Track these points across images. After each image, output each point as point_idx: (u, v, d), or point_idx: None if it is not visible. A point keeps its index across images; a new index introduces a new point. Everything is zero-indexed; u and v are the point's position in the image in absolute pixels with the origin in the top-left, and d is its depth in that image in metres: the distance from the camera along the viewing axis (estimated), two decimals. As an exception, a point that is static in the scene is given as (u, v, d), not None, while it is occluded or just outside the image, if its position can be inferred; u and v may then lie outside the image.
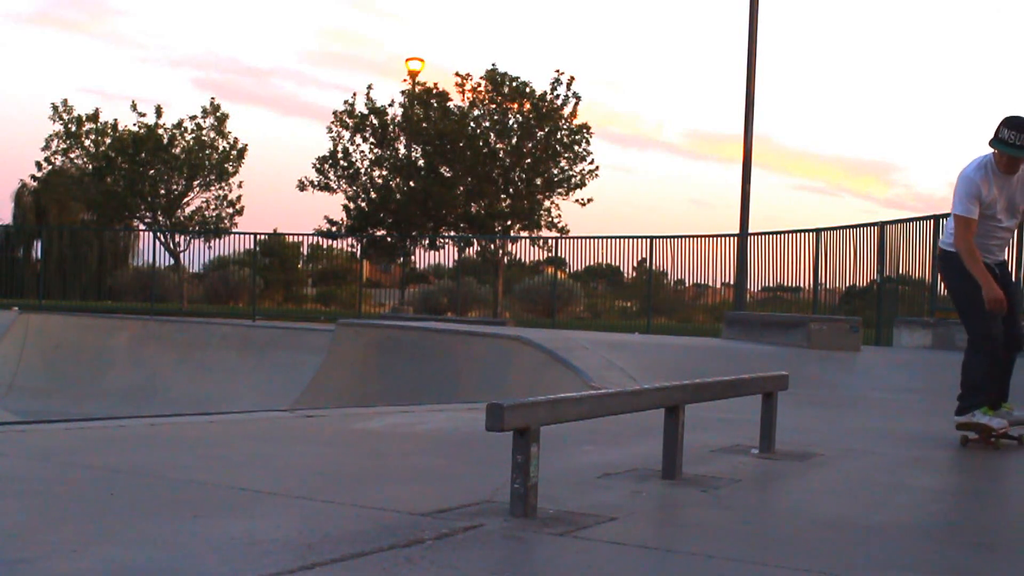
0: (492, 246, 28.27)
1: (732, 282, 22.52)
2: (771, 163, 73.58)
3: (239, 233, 29.11)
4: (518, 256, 29.14)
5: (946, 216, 18.93)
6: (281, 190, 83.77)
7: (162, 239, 31.02)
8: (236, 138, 33.57)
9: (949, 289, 6.64)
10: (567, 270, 27.22)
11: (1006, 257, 7.10)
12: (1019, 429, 6.32)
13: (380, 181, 30.81)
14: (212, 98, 57.03)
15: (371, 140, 30.73)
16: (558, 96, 29.16)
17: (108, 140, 33.03)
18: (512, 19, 75.90)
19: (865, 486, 4.77)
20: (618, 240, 23.94)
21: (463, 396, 10.73)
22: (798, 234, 20.93)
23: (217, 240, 31.45)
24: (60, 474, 4.24)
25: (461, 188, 30.05)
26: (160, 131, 32.86)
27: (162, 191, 33.19)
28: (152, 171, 32.87)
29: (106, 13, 72.83)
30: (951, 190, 6.31)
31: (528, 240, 28.73)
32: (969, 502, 4.47)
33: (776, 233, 21.37)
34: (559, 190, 29.93)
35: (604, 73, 71.54)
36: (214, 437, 5.65)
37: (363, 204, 30.75)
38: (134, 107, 33.01)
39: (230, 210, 33.54)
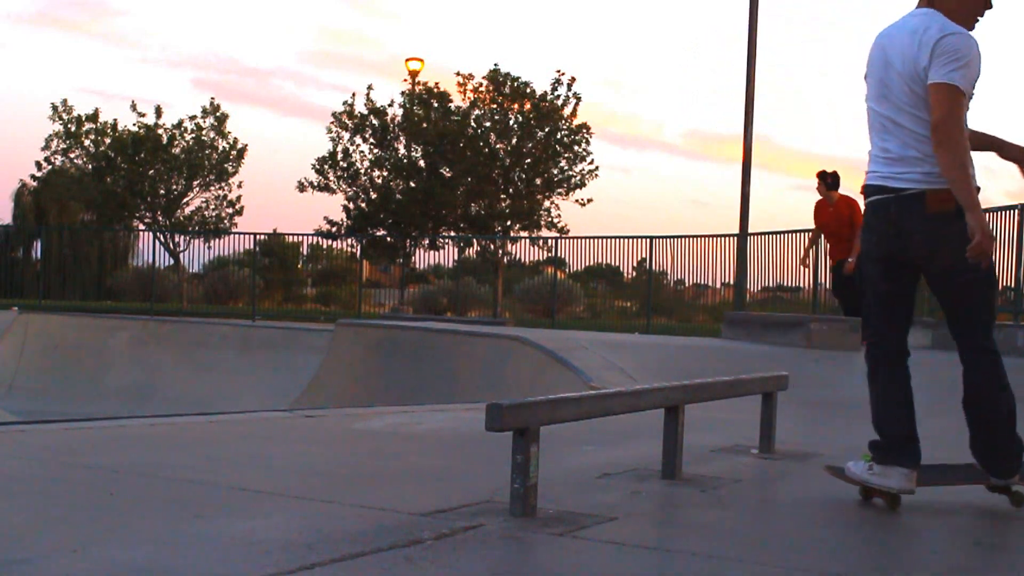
0: (492, 246, 28.26)
1: (732, 282, 22.50)
2: (771, 163, 73.58)
3: (239, 233, 29.10)
4: (518, 256, 29.11)
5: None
6: (281, 190, 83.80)
7: (162, 239, 31.00)
8: (236, 138, 33.59)
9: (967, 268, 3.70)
10: (567, 270, 27.19)
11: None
12: None
13: (380, 181, 30.79)
14: (212, 98, 57.00)
15: (371, 141, 30.71)
16: (559, 96, 29.16)
17: (108, 140, 33.02)
18: (513, 19, 75.93)
19: (865, 486, 4.76)
20: (618, 240, 23.93)
21: (463, 396, 10.73)
22: (798, 234, 20.91)
23: (217, 240, 31.46)
24: (60, 474, 4.24)
25: (461, 188, 30.04)
26: (160, 131, 32.86)
27: (162, 191, 33.18)
28: (152, 171, 32.87)
29: (106, 13, 72.89)
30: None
31: (528, 240, 28.71)
32: (970, 502, 4.47)
33: (776, 233, 21.36)
34: (559, 190, 29.93)
35: (604, 73, 71.59)
36: (214, 437, 5.65)
37: (363, 204, 30.73)
38: (134, 107, 33.02)
39: (230, 210, 33.56)
